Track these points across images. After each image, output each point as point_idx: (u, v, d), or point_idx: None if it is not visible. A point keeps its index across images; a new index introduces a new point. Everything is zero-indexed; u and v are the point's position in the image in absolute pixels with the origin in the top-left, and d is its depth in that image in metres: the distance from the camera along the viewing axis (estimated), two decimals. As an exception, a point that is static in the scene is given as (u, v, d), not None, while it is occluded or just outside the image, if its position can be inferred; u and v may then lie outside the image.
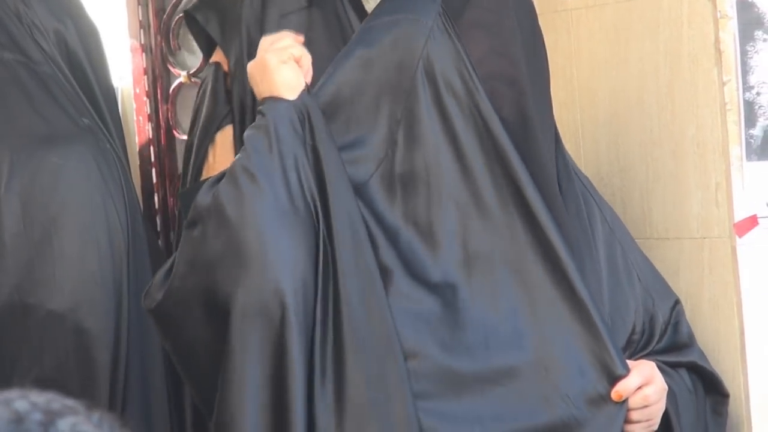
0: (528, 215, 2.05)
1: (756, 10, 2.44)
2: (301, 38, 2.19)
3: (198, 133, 2.68)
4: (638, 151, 2.56)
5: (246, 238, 1.95)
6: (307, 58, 2.11)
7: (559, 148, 2.21)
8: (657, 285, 2.31)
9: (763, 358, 2.43)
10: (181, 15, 3.36)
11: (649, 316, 2.25)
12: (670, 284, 2.50)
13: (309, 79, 2.10)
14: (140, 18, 3.39)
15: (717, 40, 2.42)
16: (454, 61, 2.08)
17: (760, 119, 2.44)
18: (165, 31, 3.37)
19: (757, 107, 2.44)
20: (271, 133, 2.02)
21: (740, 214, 2.42)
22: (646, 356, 2.23)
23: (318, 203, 1.98)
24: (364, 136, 2.07)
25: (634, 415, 2.09)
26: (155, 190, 3.38)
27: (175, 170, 3.37)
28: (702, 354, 2.34)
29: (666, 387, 2.15)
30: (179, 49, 3.39)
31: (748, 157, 2.44)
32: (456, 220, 2.05)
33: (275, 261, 1.93)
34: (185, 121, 3.40)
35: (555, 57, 2.64)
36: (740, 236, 2.42)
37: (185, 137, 3.34)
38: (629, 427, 2.09)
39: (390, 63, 2.11)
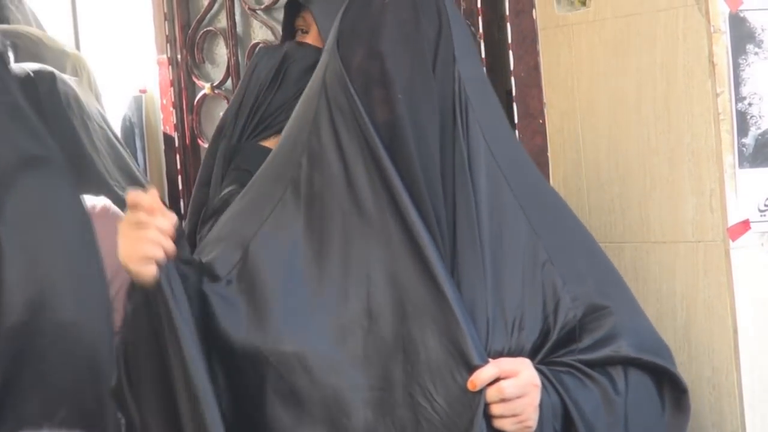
0: (401, 218, 2.09)
1: (748, 25, 2.48)
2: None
3: None
4: (636, 159, 2.58)
5: None
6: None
7: (458, 142, 2.16)
8: (589, 287, 2.19)
9: (756, 356, 2.47)
10: (205, 30, 3.45)
11: (554, 316, 2.16)
12: (666, 286, 2.56)
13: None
14: (167, 32, 3.46)
15: (711, 54, 2.45)
16: (339, 78, 2.14)
17: (751, 128, 2.48)
18: (190, 45, 3.44)
19: (748, 117, 2.48)
20: None
21: (733, 219, 2.46)
22: (558, 357, 2.15)
23: None
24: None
25: (495, 409, 2.06)
26: (181, 196, 3.46)
27: (199, 177, 3.45)
28: (655, 349, 2.22)
29: (537, 384, 2.09)
30: (203, 62, 3.45)
31: (741, 165, 2.47)
32: (341, 229, 2.12)
33: None
34: (209, 130, 3.48)
35: (557, 69, 2.70)
36: (733, 240, 2.45)
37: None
38: (496, 421, 2.06)
39: (304, 99, 2.21)
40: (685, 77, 2.50)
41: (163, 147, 3.54)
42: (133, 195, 2.04)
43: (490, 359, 2.07)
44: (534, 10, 2.73)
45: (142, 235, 2.04)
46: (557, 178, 2.74)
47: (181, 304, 2.06)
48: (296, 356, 2.07)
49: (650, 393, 2.21)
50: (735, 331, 2.47)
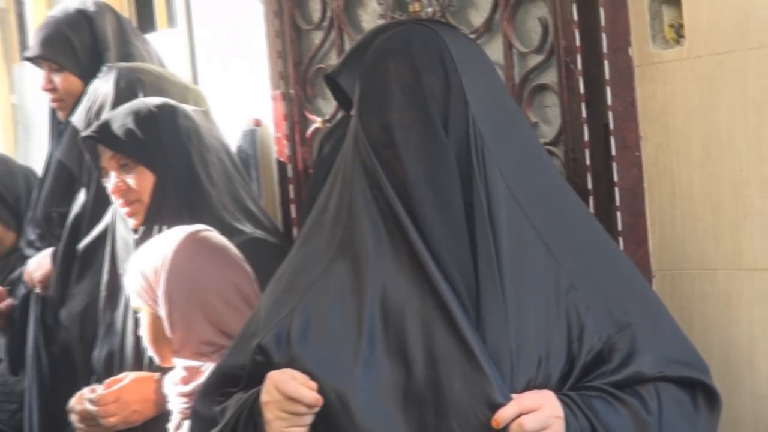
0: (421, 270, 2.20)
1: (836, 61, 2.53)
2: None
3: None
4: (728, 190, 2.65)
5: None
6: None
7: (476, 185, 2.22)
8: (612, 307, 2.25)
9: None
10: (317, 66, 3.56)
11: (578, 343, 2.22)
12: (759, 312, 2.61)
13: None
14: (280, 69, 3.56)
15: (800, 89, 2.52)
16: (362, 144, 2.26)
17: (840, 161, 2.53)
18: (302, 81, 3.53)
19: (837, 150, 2.52)
20: None
21: (823, 247, 2.51)
22: (589, 381, 2.21)
23: None
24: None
25: None
26: (294, 224, 3.56)
27: (311, 206, 3.56)
28: (685, 360, 2.25)
29: (560, 415, 2.15)
30: (315, 97, 3.54)
31: (830, 195, 2.52)
32: (379, 283, 2.23)
33: None
34: (321, 161, 3.57)
35: (652, 105, 2.77)
36: (824, 267, 2.51)
37: (321, 177, 3.53)
38: None
39: (340, 160, 2.33)
40: (775, 112, 2.56)
41: (277, 177, 3.61)
42: (299, 391, 2.20)
43: (513, 395, 2.16)
44: (630, 48, 2.79)
45: (295, 424, 2.21)
46: (653, 208, 2.80)
47: None
48: (340, 402, 2.19)
49: (685, 408, 2.24)
50: (826, 356, 2.51)
